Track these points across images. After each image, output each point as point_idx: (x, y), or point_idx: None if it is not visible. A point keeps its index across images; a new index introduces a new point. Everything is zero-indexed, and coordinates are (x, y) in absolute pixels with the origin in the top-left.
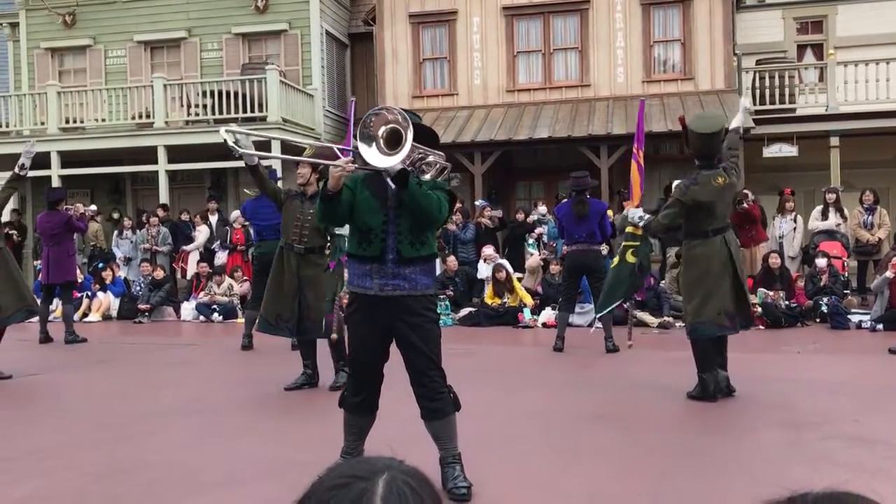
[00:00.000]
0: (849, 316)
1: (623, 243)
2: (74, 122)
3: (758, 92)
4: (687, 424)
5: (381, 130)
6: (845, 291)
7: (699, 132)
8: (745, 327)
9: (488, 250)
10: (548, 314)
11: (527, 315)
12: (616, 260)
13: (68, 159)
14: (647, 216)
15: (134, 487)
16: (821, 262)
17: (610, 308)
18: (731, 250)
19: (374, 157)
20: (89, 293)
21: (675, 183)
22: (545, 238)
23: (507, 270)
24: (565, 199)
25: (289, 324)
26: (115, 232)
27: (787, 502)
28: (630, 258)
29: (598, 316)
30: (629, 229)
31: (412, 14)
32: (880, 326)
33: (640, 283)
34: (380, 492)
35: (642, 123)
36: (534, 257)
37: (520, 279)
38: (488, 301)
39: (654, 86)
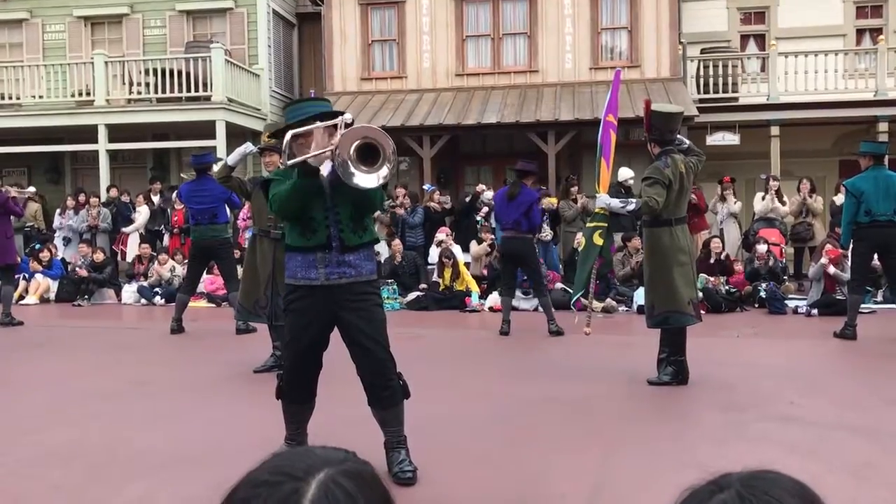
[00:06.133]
0: (786, 301)
1: (589, 225)
2: (10, 98)
3: (702, 80)
4: (630, 407)
5: (351, 150)
6: (783, 277)
7: (662, 111)
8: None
9: (441, 235)
10: (495, 298)
11: (474, 299)
12: (583, 242)
13: (4, 136)
14: (634, 200)
15: (74, 472)
16: (760, 248)
17: (583, 290)
18: (689, 242)
19: (361, 179)
20: (27, 275)
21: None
22: (492, 222)
23: (454, 257)
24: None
25: (265, 310)
26: (58, 211)
27: (710, 485)
28: (598, 240)
29: (574, 300)
30: (598, 210)
31: None
32: (815, 311)
33: (608, 265)
34: (310, 494)
35: (617, 93)
36: (480, 246)
37: (467, 265)
38: (444, 283)
39: (601, 73)
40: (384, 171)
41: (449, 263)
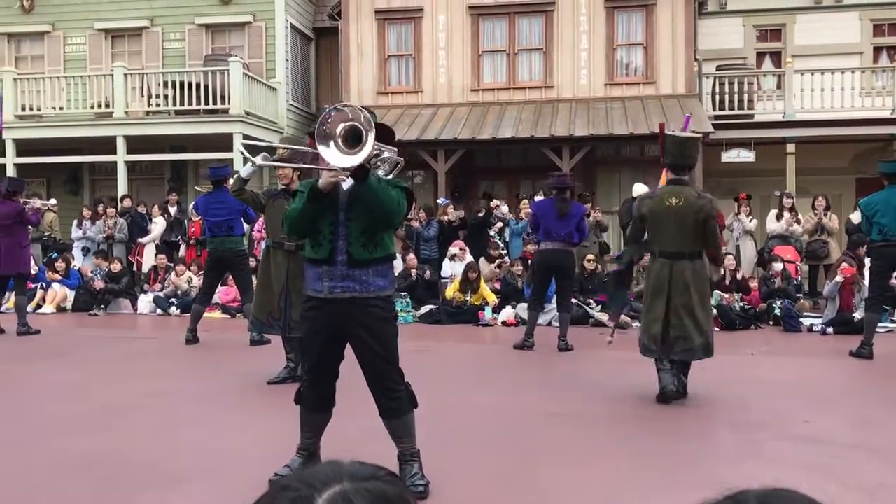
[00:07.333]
0: (801, 319)
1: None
2: (31, 109)
3: (717, 97)
4: (642, 424)
5: (340, 128)
6: (798, 295)
7: (675, 136)
8: (687, 356)
9: (454, 249)
10: (508, 312)
11: (487, 313)
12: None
13: (25, 147)
14: (620, 252)
15: (87, 482)
16: (776, 265)
17: (617, 306)
18: (673, 277)
19: (334, 156)
20: (44, 284)
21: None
22: (506, 237)
23: (479, 270)
24: (540, 198)
25: (279, 322)
26: (75, 222)
27: (728, 500)
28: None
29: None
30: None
31: (378, 10)
32: (830, 330)
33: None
34: None
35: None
36: (489, 269)
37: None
38: (448, 296)
39: (616, 89)
40: (358, 158)
41: (474, 277)
